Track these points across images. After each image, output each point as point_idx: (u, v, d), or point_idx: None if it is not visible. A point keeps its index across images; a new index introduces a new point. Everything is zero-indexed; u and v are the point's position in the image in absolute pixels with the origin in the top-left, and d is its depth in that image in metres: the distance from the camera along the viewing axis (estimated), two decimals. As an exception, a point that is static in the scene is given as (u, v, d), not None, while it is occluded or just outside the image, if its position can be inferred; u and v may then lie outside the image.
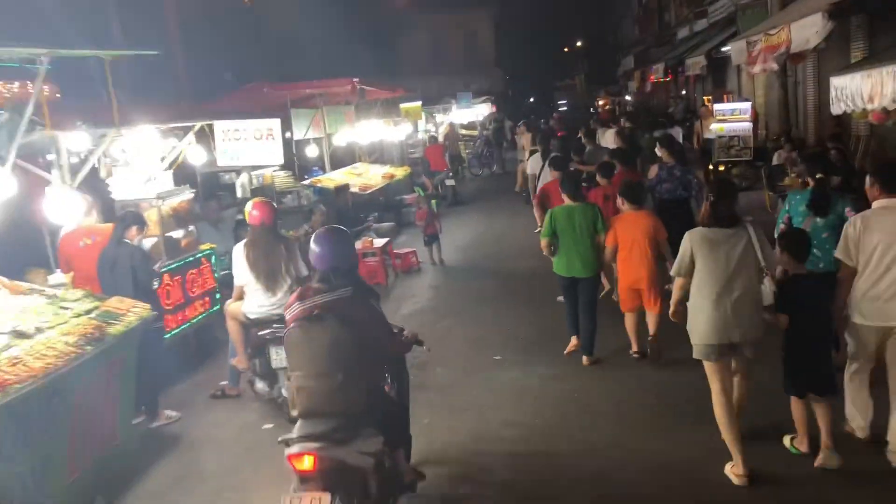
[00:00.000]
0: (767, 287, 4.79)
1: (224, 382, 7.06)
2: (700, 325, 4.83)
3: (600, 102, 50.45)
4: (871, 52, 14.30)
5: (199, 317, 8.02)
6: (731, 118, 16.57)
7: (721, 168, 16.75)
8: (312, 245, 4.29)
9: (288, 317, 4.18)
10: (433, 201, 16.92)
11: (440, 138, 23.10)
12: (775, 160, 14.67)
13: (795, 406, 5.00)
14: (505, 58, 55.00)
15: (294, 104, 13.13)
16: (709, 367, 4.91)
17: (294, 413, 4.19)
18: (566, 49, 74.63)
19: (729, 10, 20.60)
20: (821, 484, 4.73)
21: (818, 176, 6.15)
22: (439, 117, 26.66)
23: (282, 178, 12.25)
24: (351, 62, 33.39)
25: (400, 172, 16.55)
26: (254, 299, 6.41)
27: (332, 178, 13.32)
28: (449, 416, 6.23)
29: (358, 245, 11.07)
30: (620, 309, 7.14)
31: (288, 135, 12.84)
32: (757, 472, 4.76)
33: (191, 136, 9.09)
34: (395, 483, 4.41)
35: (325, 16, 32.66)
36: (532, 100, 77.19)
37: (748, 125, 16.30)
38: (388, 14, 42.55)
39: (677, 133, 16.00)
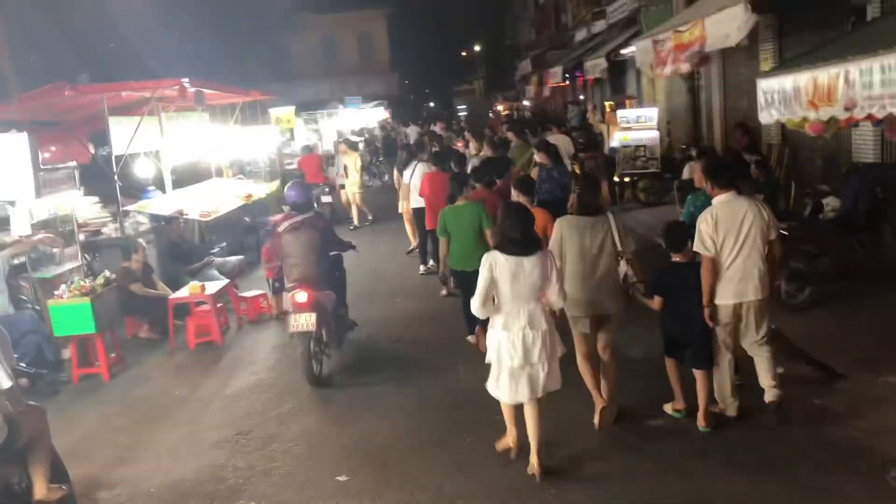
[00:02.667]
0: (623, 268, 5.45)
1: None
2: (569, 299, 5.32)
3: (499, 108, 49.05)
4: (781, 55, 12.88)
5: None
6: (636, 126, 14.96)
7: (626, 180, 15.14)
8: (288, 191, 7.65)
9: (280, 229, 7.31)
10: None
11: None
12: (686, 174, 13.06)
13: (670, 367, 5.66)
14: (401, 61, 52.84)
15: (116, 111, 10.58)
16: (577, 337, 5.60)
17: (289, 283, 7.21)
18: (464, 53, 73.11)
19: (631, 9, 19.11)
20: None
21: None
22: (323, 123, 24.29)
23: (88, 206, 9.70)
24: (234, 65, 30.72)
25: (266, 189, 14.13)
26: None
27: (167, 202, 10.81)
28: None
29: (184, 293, 8.68)
30: None
31: (107, 149, 10.33)
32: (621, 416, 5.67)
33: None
34: (342, 323, 7.87)
35: (209, 15, 29.85)
36: (432, 105, 75.47)
37: (655, 134, 14.71)
38: (276, 15, 39.71)
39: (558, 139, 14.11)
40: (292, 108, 18.48)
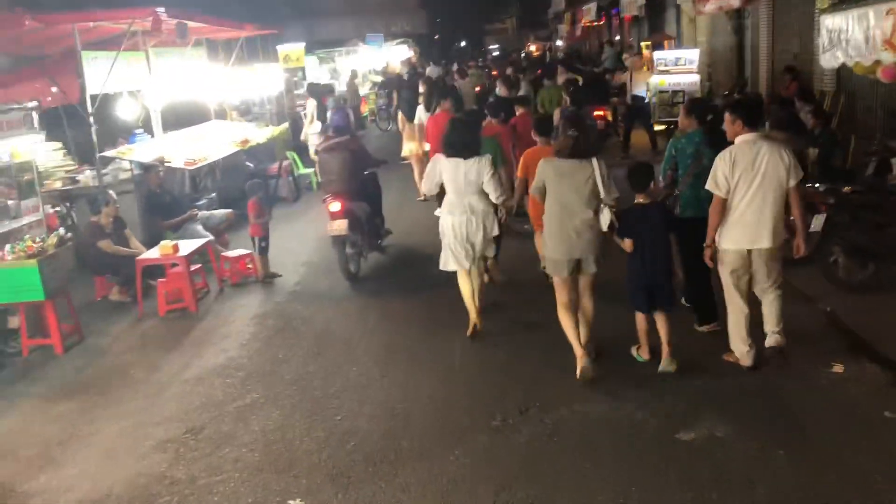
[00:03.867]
0: (606, 214, 5.27)
1: None
2: (549, 243, 5.46)
3: (532, 48, 47.19)
4: (841, -11, 11.36)
5: None
6: (674, 69, 13.61)
7: (661, 128, 13.83)
8: (332, 115, 9.48)
9: (321, 149, 8.51)
10: (308, 172, 13.62)
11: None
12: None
13: (639, 319, 5.55)
14: (431, -3, 50.66)
15: (93, 46, 9.55)
16: (556, 282, 5.50)
17: (325, 196, 8.19)
18: (497, -11, 70.41)
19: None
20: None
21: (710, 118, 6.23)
22: (341, 62, 22.97)
23: (51, 153, 8.72)
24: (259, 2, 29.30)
25: (268, 133, 13.07)
26: None
27: (150, 148, 9.81)
28: None
29: (155, 253, 7.75)
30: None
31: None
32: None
33: None
34: (376, 231, 8.73)
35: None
36: (463, 44, 73.10)
37: (695, 78, 13.37)
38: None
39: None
40: (302, 46, 17.25)
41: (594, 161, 5.25)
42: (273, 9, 32.24)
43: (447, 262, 6.25)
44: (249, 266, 8.47)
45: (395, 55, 30.81)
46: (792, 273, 7.00)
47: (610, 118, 15.14)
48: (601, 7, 22.55)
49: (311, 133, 13.81)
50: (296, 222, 11.02)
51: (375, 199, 8.80)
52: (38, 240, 6.64)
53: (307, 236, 10.14)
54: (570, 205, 5.25)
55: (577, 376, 5.27)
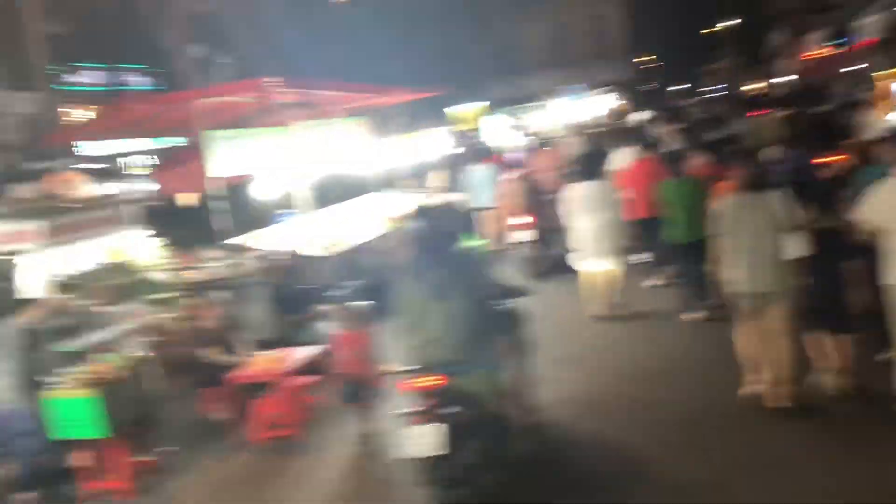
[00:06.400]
0: (796, 239, 5.22)
1: None
2: (734, 277, 5.44)
3: (753, 86, 43.38)
4: None
5: None
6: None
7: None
8: (507, 156, 12.33)
9: (505, 180, 10.83)
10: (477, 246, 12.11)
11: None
12: None
13: (816, 341, 5.55)
14: (641, 43, 48.21)
15: (211, 124, 8.76)
16: (740, 312, 5.56)
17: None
18: (712, 29, 66.36)
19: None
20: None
21: None
22: (532, 117, 21.48)
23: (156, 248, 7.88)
24: (456, 61, 29.02)
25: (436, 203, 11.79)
26: None
27: (284, 233, 8.80)
28: None
29: (254, 367, 6.51)
30: None
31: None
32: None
33: None
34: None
35: (428, 13, 28.36)
36: (678, 87, 69.42)
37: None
38: (500, 7, 37.48)
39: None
40: (474, 106, 16.00)
41: (775, 193, 5.33)
42: (480, 67, 31.73)
43: (579, 264, 8.07)
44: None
45: (599, 106, 28.64)
46: None
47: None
48: (827, 36, 19.35)
49: None
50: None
51: None
52: (112, 360, 5.61)
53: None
54: (750, 237, 5.29)
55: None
